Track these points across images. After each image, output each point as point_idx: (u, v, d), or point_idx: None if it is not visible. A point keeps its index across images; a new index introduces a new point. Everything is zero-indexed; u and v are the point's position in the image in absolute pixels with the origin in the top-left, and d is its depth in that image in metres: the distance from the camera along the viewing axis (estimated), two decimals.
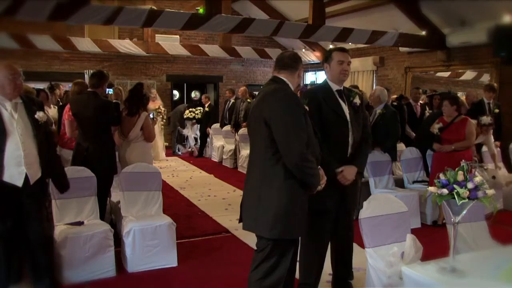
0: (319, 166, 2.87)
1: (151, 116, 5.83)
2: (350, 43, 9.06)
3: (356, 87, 9.02)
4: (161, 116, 10.24)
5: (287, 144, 2.66)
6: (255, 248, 2.93)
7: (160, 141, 10.62)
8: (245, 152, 9.37)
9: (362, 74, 11.81)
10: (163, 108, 10.60)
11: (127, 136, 5.20)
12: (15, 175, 3.23)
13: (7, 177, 3.22)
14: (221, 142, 10.95)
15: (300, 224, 2.79)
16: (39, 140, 3.37)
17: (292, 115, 2.67)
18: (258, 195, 2.76)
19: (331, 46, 11.40)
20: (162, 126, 10.60)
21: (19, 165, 3.23)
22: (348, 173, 3.32)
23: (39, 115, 3.37)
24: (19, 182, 3.25)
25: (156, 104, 10.14)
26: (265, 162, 2.76)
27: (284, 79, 2.87)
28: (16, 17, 5.39)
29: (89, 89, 4.97)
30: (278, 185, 2.71)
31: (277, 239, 2.76)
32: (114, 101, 5.05)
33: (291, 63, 2.91)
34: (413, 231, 3.25)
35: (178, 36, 12.00)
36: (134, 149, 5.21)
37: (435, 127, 5.49)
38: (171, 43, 11.42)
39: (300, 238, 3.08)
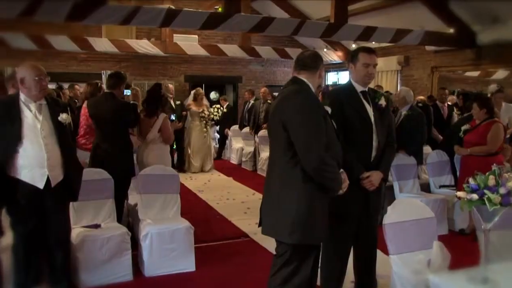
0: (342, 170, 2.84)
1: (172, 117, 5.87)
2: (373, 42, 8.96)
3: (380, 87, 8.99)
4: (204, 121, 9.46)
5: (304, 147, 2.65)
6: (275, 253, 2.91)
7: (206, 150, 9.78)
8: (264, 154, 9.38)
9: (386, 74, 11.69)
10: (208, 111, 9.61)
11: (145, 137, 5.27)
12: (37, 177, 3.28)
13: (29, 179, 3.27)
14: (240, 144, 11.00)
15: (320, 229, 2.78)
16: (63, 142, 3.41)
17: (309, 117, 2.67)
18: (277, 199, 2.77)
19: (353, 46, 11.34)
20: (206, 134, 9.63)
21: (42, 167, 3.28)
22: (375, 178, 3.29)
23: (62, 117, 3.41)
24: (41, 184, 3.29)
25: (200, 107, 9.48)
26: (283, 165, 2.76)
27: (304, 79, 2.86)
28: (34, 18, 5.49)
29: (106, 90, 5.02)
30: (296, 189, 2.70)
31: (296, 244, 2.75)
32: (131, 102, 5.07)
33: (311, 63, 2.90)
34: (440, 238, 3.20)
35: (196, 36, 12.08)
36: (152, 151, 5.28)
37: (462, 129, 5.41)
38: (189, 43, 11.52)
39: (321, 243, 3.06)
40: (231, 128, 11.32)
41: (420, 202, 3.46)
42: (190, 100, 9.70)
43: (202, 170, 9.66)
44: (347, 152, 3.03)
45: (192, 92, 9.94)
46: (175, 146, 8.61)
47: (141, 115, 5.31)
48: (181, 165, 9.51)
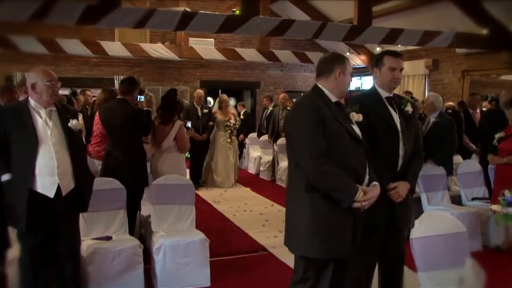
0: (375, 183, 2.83)
1: (188, 125, 5.93)
2: (399, 45, 8.90)
3: (409, 93, 8.89)
4: (229, 130, 9.22)
5: (298, 154, 2.75)
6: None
7: (230, 164, 9.42)
8: (284, 163, 9.35)
9: (413, 79, 11.59)
10: (234, 120, 9.28)
11: (160, 145, 5.34)
12: (47, 185, 3.30)
13: (39, 187, 3.29)
14: (258, 153, 11.02)
15: (334, 242, 2.77)
16: (73, 149, 3.44)
17: (300, 123, 2.74)
18: (288, 209, 2.88)
19: (378, 49, 11.28)
20: (231, 145, 9.35)
21: (52, 175, 3.30)
22: (402, 189, 3.25)
23: (72, 123, 3.44)
24: (51, 193, 3.31)
25: (226, 114, 9.25)
26: (292, 174, 2.88)
27: (320, 86, 2.90)
28: (45, 21, 5.58)
29: (118, 96, 5.07)
30: (302, 198, 2.76)
31: (309, 257, 2.78)
32: (145, 108, 5.14)
33: (323, 67, 2.92)
34: (473, 255, 3.11)
35: (212, 40, 12.16)
36: (166, 160, 5.35)
37: (496, 137, 5.32)
38: (205, 47, 11.63)
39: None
40: (249, 136, 11.35)
41: (451, 216, 3.39)
42: (215, 108, 9.54)
43: (225, 186, 9.26)
44: (372, 161, 3.00)
45: (216, 100, 9.82)
46: (189, 155, 8.44)
47: (155, 122, 5.36)
48: (196, 180, 8.86)
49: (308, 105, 2.81)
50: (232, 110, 9.65)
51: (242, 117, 10.93)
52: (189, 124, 7.93)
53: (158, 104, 5.74)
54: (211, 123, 9.12)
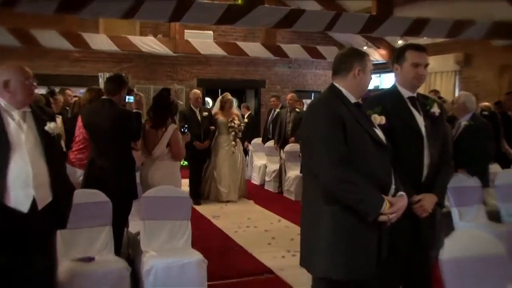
0: (401, 193, 2.84)
1: (184, 129, 5.92)
2: (425, 38, 8.86)
3: (436, 92, 8.84)
4: (233, 133, 9.04)
5: (314, 161, 2.80)
6: None
7: (237, 172, 9.26)
8: (292, 173, 9.30)
9: (441, 76, 11.59)
10: (238, 121, 9.14)
11: (151, 152, 5.33)
12: (20, 199, 3.19)
13: (11, 201, 3.18)
14: (263, 161, 11.01)
15: (357, 260, 2.79)
16: (51, 156, 3.35)
17: (316, 126, 2.80)
18: (304, 224, 2.93)
19: (400, 42, 11.27)
20: (235, 149, 9.15)
21: (27, 187, 3.20)
22: (427, 202, 3.22)
23: (50, 126, 3.37)
24: (25, 207, 3.20)
25: (229, 115, 9.09)
26: (307, 184, 2.94)
27: (338, 85, 2.96)
28: (16, 9, 5.52)
29: (104, 97, 5.06)
30: (320, 213, 2.80)
31: (329, 279, 2.80)
32: (134, 110, 5.17)
33: (341, 64, 2.97)
34: None
35: (211, 32, 12.20)
36: (158, 169, 5.32)
37: None
38: (203, 40, 11.66)
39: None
40: (252, 142, 11.33)
41: (487, 234, 3.32)
42: (216, 109, 9.36)
43: (232, 199, 9.02)
44: (396, 169, 3.00)
45: (218, 99, 9.60)
46: (185, 163, 8.24)
47: (145, 126, 5.36)
48: (196, 195, 8.63)
49: (325, 106, 2.85)
50: (235, 110, 9.52)
51: (246, 120, 10.58)
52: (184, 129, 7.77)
53: (149, 106, 5.71)
54: (212, 127, 8.96)
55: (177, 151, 5.37)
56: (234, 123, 8.95)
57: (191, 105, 9.01)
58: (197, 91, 9.36)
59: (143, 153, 5.36)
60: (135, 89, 8.57)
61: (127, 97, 5.46)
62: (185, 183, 7.58)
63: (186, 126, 6.10)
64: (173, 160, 5.42)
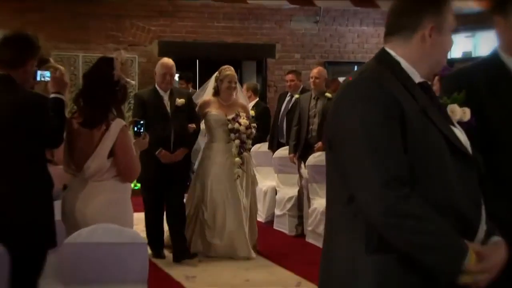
0: (499, 239, 2.29)
1: (139, 128, 4.59)
2: None
3: None
4: (238, 141, 6.16)
5: (353, 180, 2.19)
6: None
7: (236, 207, 6.26)
8: (321, 202, 6.79)
9: None
10: (247, 119, 6.27)
11: (81, 168, 4.15)
12: None
13: None
14: (270, 182, 8.28)
15: None
16: None
17: (352, 122, 2.18)
18: (327, 281, 2.39)
19: None
20: (241, 168, 6.24)
21: None
22: None
23: None
24: None
25: (231, 108, 6.28)
26: (338, 216, 2.35)
27: (392, 53, 2.32)
28: None
29: None
30: (358, 263, 2.22)
31: None
32: (51, 95, 4.09)
33: (400, 18, 2.33)
34: None
35: None
36: (94, 196, 4.19)
37: None
38: None
39: None
40: (252, 149, 7.89)
41: None
42: (207, 95, 6.45)
43: (230, 255, 6.33)
44: (489, 196, 2.40)
45: (212, 78, 6.55)
46: (137, 186, 6.28)
47: (72, 123, 4.17)
48: (157, 243, 6.24)
49: (370, 89, 2.21)
50: (242, 99, 6.75)
51: (252, 113, 7.45)
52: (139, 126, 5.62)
53: (78, 88, 4.65)
54: (193, 126, 6.23)
55: (126, 165, 4.16)
56: (240, 123, 6.16)
57: (156, 86, 6.22)
58: (168, 61, 6.38)
59: (67, 169, 4.23)
60: (51, 60, 6.50)
61: (38, 72, 4.37)
62: (139, 220, 5.81)
63: (141, 122, 4.73)
64: (120, 181, 4.24)
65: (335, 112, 2.36)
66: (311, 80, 7.42)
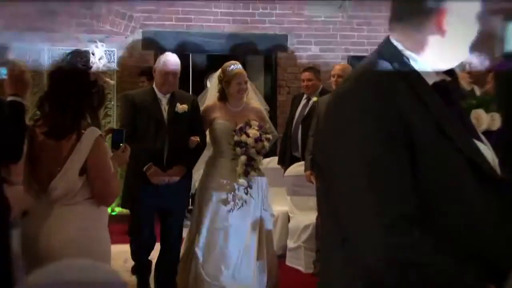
0: None
1: (118, 139, 3.98)
2: None
3: None
4: (245, 157, 5.07)
5: (348, 219, 1.90)
6: None
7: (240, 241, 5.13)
8: None
9: None
10: (258, 129, 5.10)
11: (45, 189, 3.68)
12: None
13: None
14: (282, 207, 7.22)
15: None
16: None
17: (345, 140, 1.86)
18: None
19: None
20: (249, 191, 5.14)
21: None
22: None
23: None
24: None
25: (241, 115, 5.25)
26: (329, 257, 2.08)
27: (398, 45, 1.92)
28: None
29: None
30: None
31: None
32: (8, 99, 3.72)
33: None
34: None
35: None
36: (62, 223, 3.74)
37: None
38: None
39: None
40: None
41: None
42: (210, 100, 5.43)
43: None
44: None
45: (215, 77, 5.59)
46: (115, 212, 5.68)
47: (35, 132, 3.75)
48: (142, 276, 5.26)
49: (368, 101, 1.83)
50: (255, 102, 5.73)
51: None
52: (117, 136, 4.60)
53: (42, 90, 4.26)
54: (196, 139, 5.34)
55: (102, 185, 3.65)
56: (248, 134, 5.05)
57: (154, 87, 5.26)
58: (172, 58, 5.29)
59: (28, 190, 3.78)
60: (12, 55, 6.13)
61: None
62: (117, 254, 4.96)
63: (121, 130, 4.05)
64: (94, 205, 3.73)
65: (325, 131, 2.07)
66: (333, 79, 6.37)
